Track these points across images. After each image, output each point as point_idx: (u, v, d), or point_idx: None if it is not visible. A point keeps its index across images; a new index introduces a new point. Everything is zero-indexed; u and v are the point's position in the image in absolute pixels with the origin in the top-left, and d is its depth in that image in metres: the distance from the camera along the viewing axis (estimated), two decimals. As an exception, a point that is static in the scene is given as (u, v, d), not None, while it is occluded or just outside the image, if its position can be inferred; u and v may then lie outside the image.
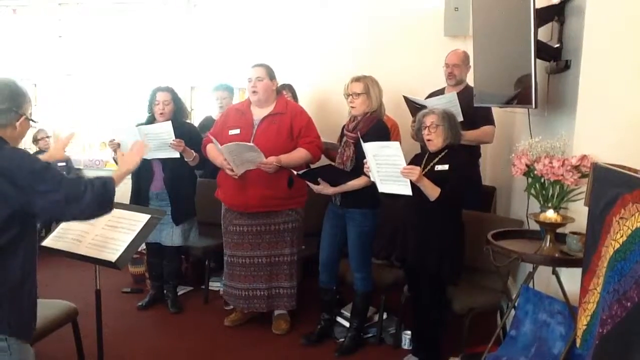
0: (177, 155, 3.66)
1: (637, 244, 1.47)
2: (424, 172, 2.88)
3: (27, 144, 5.60)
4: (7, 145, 1.89)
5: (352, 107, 3.24)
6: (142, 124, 3.78)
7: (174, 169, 3.76)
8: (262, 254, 3.53)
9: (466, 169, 2.99)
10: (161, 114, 3.79)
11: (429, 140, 2.95)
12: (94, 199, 1.90)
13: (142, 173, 3.81)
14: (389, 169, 2.83)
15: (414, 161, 3.03)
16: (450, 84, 3.90)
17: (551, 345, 2.54)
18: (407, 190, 2.78)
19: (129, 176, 3.91)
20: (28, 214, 1.86)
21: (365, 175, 3.06)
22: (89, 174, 5.60)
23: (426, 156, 3.00)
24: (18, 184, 1.79)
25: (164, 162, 3.75)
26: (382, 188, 2.93)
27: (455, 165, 2.88)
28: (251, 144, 3.25)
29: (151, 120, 3.86)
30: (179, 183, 3.83)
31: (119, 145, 3.74)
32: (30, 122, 2.00)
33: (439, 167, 2.91)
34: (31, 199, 1.81)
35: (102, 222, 2.39)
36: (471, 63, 3.65)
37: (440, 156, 2.93)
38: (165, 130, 3.59)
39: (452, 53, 3.90)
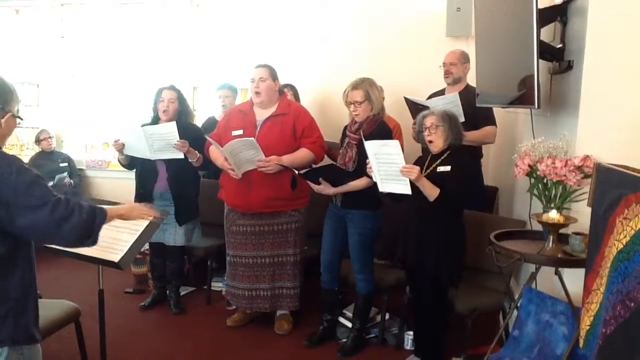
0: (181, 156, 3.66)
1: (641, 245, 1.47)
2: (426, 174, 2.88)
3: (29, 145, 5.63)
4: None
5: (355, 114, 3.24)
6: (146, 124, 3.78)
7: (178, 169, 3.76)
8: (266, 254, 3.54)
9: (468, 171, 2.99)
10: (164, 111, 3.78)
11: (430, 141, 2.95)
12: (79, 224, 1.75)
13: (146, 173, 3.83)
14: (389, 167, 2.84)
15: (418, 162, 3.02)
16: (448, 83, 3.90)
17: (554, 346, 2.54)
18: (407, 190, 2.79)
19: (134, 176, 3.94)
20: (9, 230, 1.71)
21: (367, 176, 3.07)
22: (91, 174, 5.66)
23: (429, 157, 3.00)
24: (1, 195, 1.66)
25: (168, 162, 3.75)
26: (383, 187, 2.93)
27: (457, 167, 2.88)
28: (252, 139, 3.24)
29: (155, 120, 3.87)
30: (183, 183, 3.83)
31: (123, 145, 3.75)
32: (17, 119, 1.89)
33: (441, 169, 2.90)
34: (13, 214, 1.68)
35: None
36: (473, 63, 3.65)
37: (442, 157, 2.93)
38: (169, 130, 3.59)
39: (449, 52, 3.92)
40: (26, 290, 1.87)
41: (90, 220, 1.79)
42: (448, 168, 2.88)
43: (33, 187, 1.71)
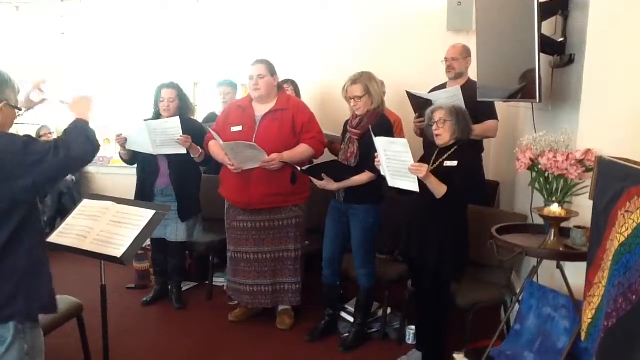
0: (183, 151, 3.65)
1: (643, 238, 1.47)
2: (432, 168, 2.88)
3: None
4: None
5: (355, 109, 3.24)
6: (149, 119, 3.78)
7: (180, 165, 3.77)
8: (267, 249, 3.54)
9: (474, 166, 2.98)
10: (165, 110, 3.78)
11: (437, 135, 2.95)
12: (85, 148, 1.91)
13: (148, 169, 3.83)
14: (397, 164, 2.84)
15: (424, 157, 3.02)
16: (450, 78, 3.90)
17: (555, 340, 2.54)
18: (415, 187, 2.79)
19: (135, 172, 3.94)
20: (35, 188, 1.84)
21: (370, 172, 3.07)
22: (93, 170, 5.65)
23: (436, 152, 3.00)
24: (8, 166, 1.78)
25: (170, 158, 3.75)
26: (392, 183, 2.94)
27: (464, 162, 2.88)
28: (252, 142, 3.25)
29: (157, 116, 3.86)
30: (185, 179, 3.83)
31: (125, 140, 3.74)
32: (16, 110, 1.93)
33: (448, 163, 2.90)
34: (28, 173, 1.79)
35: (107, 218, 2.39)
36: (474, 57, 3.65)
37: (450, 152, 2.93)
38: (173, 125, 3.58)
39: (451, 47, 3.92)
40: (36, 266, 1.92)
41: (88, 138, 1.94)
42: (455, 163, 2.88)
43: (29, 146, 1.82)
